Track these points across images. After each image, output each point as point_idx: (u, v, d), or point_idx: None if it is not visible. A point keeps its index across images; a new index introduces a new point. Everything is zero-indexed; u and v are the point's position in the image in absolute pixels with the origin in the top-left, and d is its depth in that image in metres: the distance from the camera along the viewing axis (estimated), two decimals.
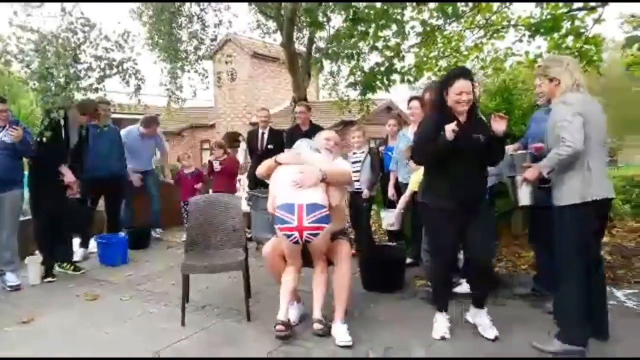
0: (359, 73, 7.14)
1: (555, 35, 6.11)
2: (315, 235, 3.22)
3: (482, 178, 3.25)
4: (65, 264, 4.93)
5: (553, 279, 3.69)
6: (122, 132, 6.50)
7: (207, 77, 8.29)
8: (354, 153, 5.45)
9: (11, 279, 4.46)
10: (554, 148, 2.99)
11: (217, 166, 6.26)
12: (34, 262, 4.64)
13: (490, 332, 3.23)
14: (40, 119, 4.77)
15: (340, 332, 3.23)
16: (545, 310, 3.65)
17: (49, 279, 4.69)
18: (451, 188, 3.13)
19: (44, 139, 4.52)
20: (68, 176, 4.71)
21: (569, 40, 6.11)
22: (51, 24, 4.88)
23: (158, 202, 6.66)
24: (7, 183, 4.39)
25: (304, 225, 3.19)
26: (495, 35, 7.00)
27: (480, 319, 3.33)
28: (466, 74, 3.18)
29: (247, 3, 8.41)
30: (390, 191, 5.16)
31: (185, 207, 6.28)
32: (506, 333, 3.28)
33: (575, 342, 2.95)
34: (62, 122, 4.68)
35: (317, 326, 3.30)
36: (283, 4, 7.56)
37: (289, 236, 3.25)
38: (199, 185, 6.50)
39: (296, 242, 3.26)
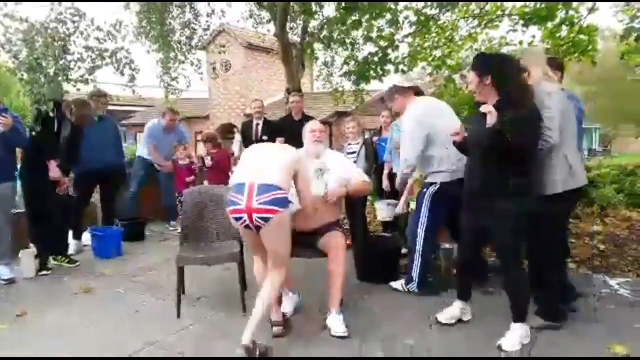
0: (353, 63, 7.13)
1: (550, 24, 6.10)
2: (266, 220, 2.85)
3: (491, 172, 2.95)
4: (60, 257, 4.92)
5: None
6: (148, 124, 6.60)
7: (200, 67, 8.23)
8: (349, 144, 5.45)
9: (5, 272, 4.44)
10: None
11: (208, 162, 6.09)
12: (29, 256, 4.61)
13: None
14: (30, 110, 4.71)
15: (336, 323, 3.24)
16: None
17: (44, 272, 4.67)
18: (465, 180, 3.24)
19: (36, 132, 4.48)
20: (54, 172, 4.64)
21: (564, 30, 6.12)
22: (40, 13, 4.84)
23: (169, 197, 6.61)
24: None
25: (253, 206, 2.81)
26: (489, 25, 6.99)
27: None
28: (471, 65, 3.18)
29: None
30: (385, 182, 5.16)
31: (180, 198, 6.25)
32: (494, 322, 3.29)
33: (556, 319, 3.19)
34: (52, 114, 4.62)
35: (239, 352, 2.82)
36: None
37: (238, 219, 2.91)
38: (191, 179, 6.45)
39: (247, 227, 2.91)
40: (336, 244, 3.41)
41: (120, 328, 3.43)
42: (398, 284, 4.04)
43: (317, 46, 7.98)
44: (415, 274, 3.91)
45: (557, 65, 3.70)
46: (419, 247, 3.87)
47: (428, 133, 3.73)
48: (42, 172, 4.62)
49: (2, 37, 4.62)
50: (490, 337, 3.09)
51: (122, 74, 5.29)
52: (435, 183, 3.81)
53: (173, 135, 6.63)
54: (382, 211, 5.67)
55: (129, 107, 14.54)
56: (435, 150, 3.76)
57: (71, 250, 5.25)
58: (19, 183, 4.72)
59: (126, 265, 4.99)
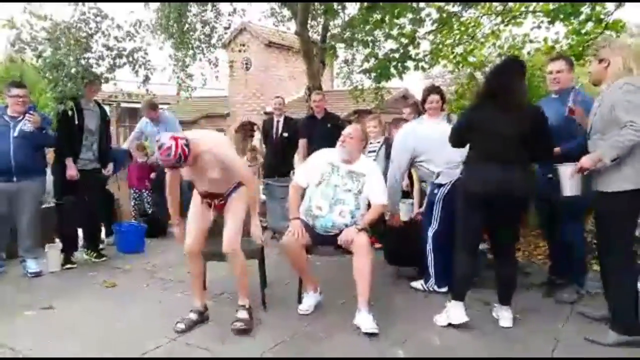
0: (373, 60, 7.09)
1: (575, 21, 5.99)
2: None
3: None
4: (89, 251, 5.02)
5: (567, 267, 3.71)
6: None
7: (217, 65, 8.25)
8: (370, 142, 5.43)
9: (32, 265, 4.54)
10: (616, 132, 2.81)
11: None
12: (54, 250, 4.72)
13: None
14: (52, 108, 4.78)
15: (366, 321, 3.23)
16: (559, 300, 3.68)
17: (68, 266, 4.76)
18: None
19: (58, 128, 4.59)
20: (70, 170, 4.67)
21: (589, 26, 5.99)
22: (65, 12, 4.91)
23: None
24: (27, 171, 4.44)
25: None
26: (512, 21, 6.89)
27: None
28: None
29: None
30: (405, 181, 5.11)
31: (135, 195, 6.36)
32: (519, 322, 3.32)
33: (631, 332, 2.93)
34: (70, 112, 4.64)
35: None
36: None
37: None
38: (153, 175, 6.42)
39: None
40: (359, 241, 3.38)
41: (143, 322, 3.49)
42: (418, 284, 4.04)
43: (338, 45, 7.95)
44: (431, 271, 3.92)
45: (569, 63, 3.63)
46: (430, 247, 3.93)
47: (409, 154, 4.00)
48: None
49: (27, 36, 4.70)
50: (508, 335, 3.09)
51: (137, 73, 5.35)
52: (445, 184, 3.83)
53: (162, 126, 6.34)
54: (401, 211, 5.63)
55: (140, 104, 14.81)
56: (427, 158, 3.95)
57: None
58: (49, 179, 4.82)
59: (148, 260, 5.07)
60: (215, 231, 3.47)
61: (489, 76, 3.37)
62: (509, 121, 3.09)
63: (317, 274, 3.80)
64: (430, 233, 3.92)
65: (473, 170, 3.23)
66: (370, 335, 3.16)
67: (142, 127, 6.49)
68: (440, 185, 3.87)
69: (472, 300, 3.55)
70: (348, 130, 3.68)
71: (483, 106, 3.27)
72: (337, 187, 3.54)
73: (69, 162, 4.67)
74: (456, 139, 3.40)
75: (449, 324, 3.27)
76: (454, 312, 3.25)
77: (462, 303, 3.26)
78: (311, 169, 3.72)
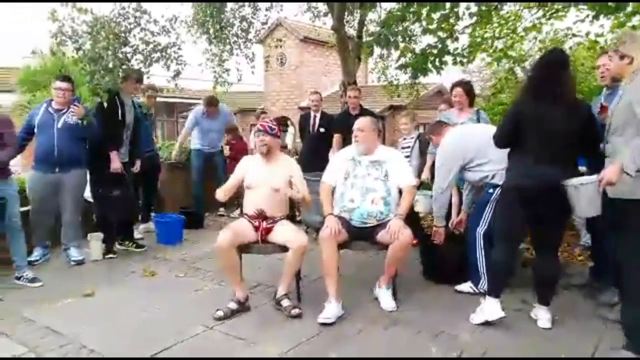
0: (410, 55, 7.01)
1: (620, 14, 5.79)
2: None
3: None
4: (127, 242, 5.16)
5: (608, 270, 3.56)
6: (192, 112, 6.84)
7: (253, 60, 8.30)
8: (404, 139, 5.41)
9: (75, 254, 4.70)
10: (633, 133, 2.59)
11: (226, 151, 6.62)
12: (96, 239, 4.86)
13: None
14: (89, 100, 4.92)
15: (386, 297, 3.48)
16: (599, 302, 3.57)
17: (110, 255, 4.91)
18: None
19: (101, 121, 4.72)
20: (115, 163, 4.78)
21: (635, 19, 5.78)
22: (105, 6, 5.02)
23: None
24: (70, 163, 4.57)
25: None
26: (555, 15, 6.71)
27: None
28: None
29: None
30: (425, 174, 5.01)
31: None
32: (557, 322, 3.26)
33: None
34: (105, 104, 4.78)
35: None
36: None
37: None
38: None
39: None
40: (404, 235, 3.40)
41: (180, 311, 3.58)
42: (465, 286, 3.86)
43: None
44: (483, 272, 3.69)
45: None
46: (480, 246, 3.71)
47: (462, 159, 3.75)
48: (106, 160, 4.80)
49: (69, 29, 4.82)
50: (542, 336, 3.05)
51: (168, 68, 5.45)
52: (500, 185, 3.51)
53: (218, 120, 6.65)
54: (420, 203, 5.54)
55: (177, 99, 14.91)
56: (484, 160, 3.70)
57: (139, 234, 5.54)
58: None
59: (186, 251, 5.18)
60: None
61: (535, 69, 3.22)
62: (558, 117, 2.99)
63: (348, 269, 3.81)
64: (480, 232, 3.71)
65: (519, 166, 3.13)
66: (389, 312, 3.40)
67: (197, 118, 6.63)
68: (496, 186, 3.62)
69: (508, 299, 3.49)
70: (356, 125, 3.76)
71: (531, 101, 3.11)
72: (364, 178, 3.63)
73: (114, 155, 4.80)
74: (505, 138, 3.22)
75: (486, 321, 3.22)
76: (490, 308, 3.19)
77: (498, 300, 3.21)
78: (335, 169, 3.83)
